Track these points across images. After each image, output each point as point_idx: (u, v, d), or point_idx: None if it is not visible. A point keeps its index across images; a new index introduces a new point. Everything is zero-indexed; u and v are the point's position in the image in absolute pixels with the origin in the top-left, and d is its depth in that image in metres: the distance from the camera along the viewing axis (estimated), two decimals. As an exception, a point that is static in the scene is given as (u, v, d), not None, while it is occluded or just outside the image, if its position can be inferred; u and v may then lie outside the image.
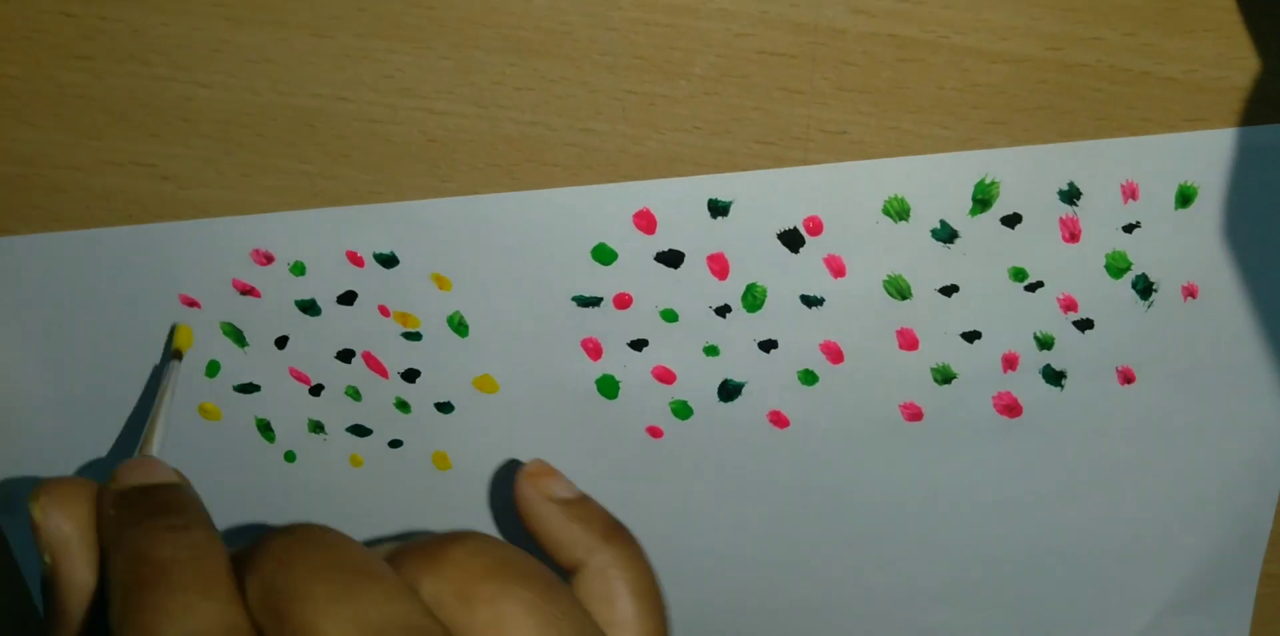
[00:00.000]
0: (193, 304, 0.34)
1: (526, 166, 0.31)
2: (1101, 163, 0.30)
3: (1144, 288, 0.32)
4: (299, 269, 0.33)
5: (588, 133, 0.30)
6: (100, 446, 0.37)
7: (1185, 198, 0.30)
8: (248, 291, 0.33)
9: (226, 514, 0.38)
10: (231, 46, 0.29)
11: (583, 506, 0.31)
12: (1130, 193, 0.30)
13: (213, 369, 0.35)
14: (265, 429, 0.36)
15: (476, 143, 0.30)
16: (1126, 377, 0.33)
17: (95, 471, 0.37)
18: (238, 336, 0.34)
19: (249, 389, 0.35)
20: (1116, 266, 0.31)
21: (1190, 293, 0.32)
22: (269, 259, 0.33)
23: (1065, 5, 0.28)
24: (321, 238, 0.32)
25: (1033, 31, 0.28)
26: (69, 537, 0.24)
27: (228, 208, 0.32)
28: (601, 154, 0.30)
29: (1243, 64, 0.28)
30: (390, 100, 0.30)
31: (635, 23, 0.28)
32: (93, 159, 0.32)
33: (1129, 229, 0.31)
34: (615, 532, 0.30)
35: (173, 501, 0.25)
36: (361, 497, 0.37)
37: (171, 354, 0.33)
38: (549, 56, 0.29)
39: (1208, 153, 0.29)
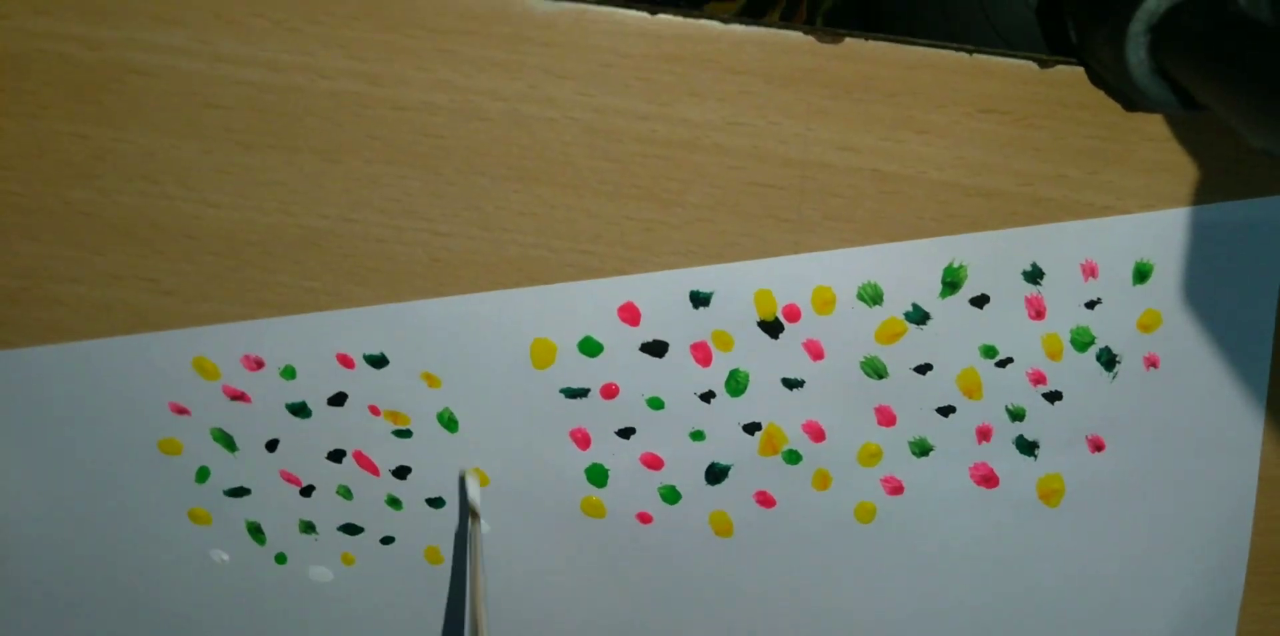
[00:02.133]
0: (183, 411, 0.37)
1: (528, 286, 0.35)
2: (1061, 244, 0.34)
3: (1108, 360, 0.36)
4: (289, 373, 0.36)
5: (587, 255, 0.34)
6: (93, 556, 0.40)
7: (1142, 274, 0.35)
8: (238, 397, 0.37)
9: (218, 619, 0.41)
10: (241, 168, 0.33)
11: None
12: (1090, 271, 0.35)
13: (202, 475, 0.38)
14: (256, 531, 0.39)
15: (479, 263, 0.34)
16: (1096, 445, 0.38)
17: (87, 574, 0.41)
18: (228, 442, 0.38)
19: (239, 493, 0.39)
20: (1081, 341, 0.36)
21: (1152, 363, 0.37)
22: (259, 364, 0.36)
23: (1034, 145, 0.33)
24: (312, 341, 0.36)
25: (1005, 168, 0.33)
26: None
27: (230, 321, 0.36)
28: (600, 274, 0.35)
29: (1198, 198, 0.34)
30: (397, 221, 0.34)
31: (635, 155, 0.33)
32: (96, 273, 0.35)
33: (1090, 305, 0.35)
34: None
35: None
36: (355, 596, 0.40)
37: (469, 514, 0.37)
38: (552, 184, 0.33)
39: (1160, 231, 0.34)
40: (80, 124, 0.33)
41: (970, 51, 0.31)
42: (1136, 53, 0.27)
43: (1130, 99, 0.30)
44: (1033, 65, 0.31)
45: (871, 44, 0.31)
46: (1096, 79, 0.31)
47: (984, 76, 0.32)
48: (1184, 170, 0.34)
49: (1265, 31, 0.24)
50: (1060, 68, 0.31)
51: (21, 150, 0.33)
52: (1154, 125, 0.33)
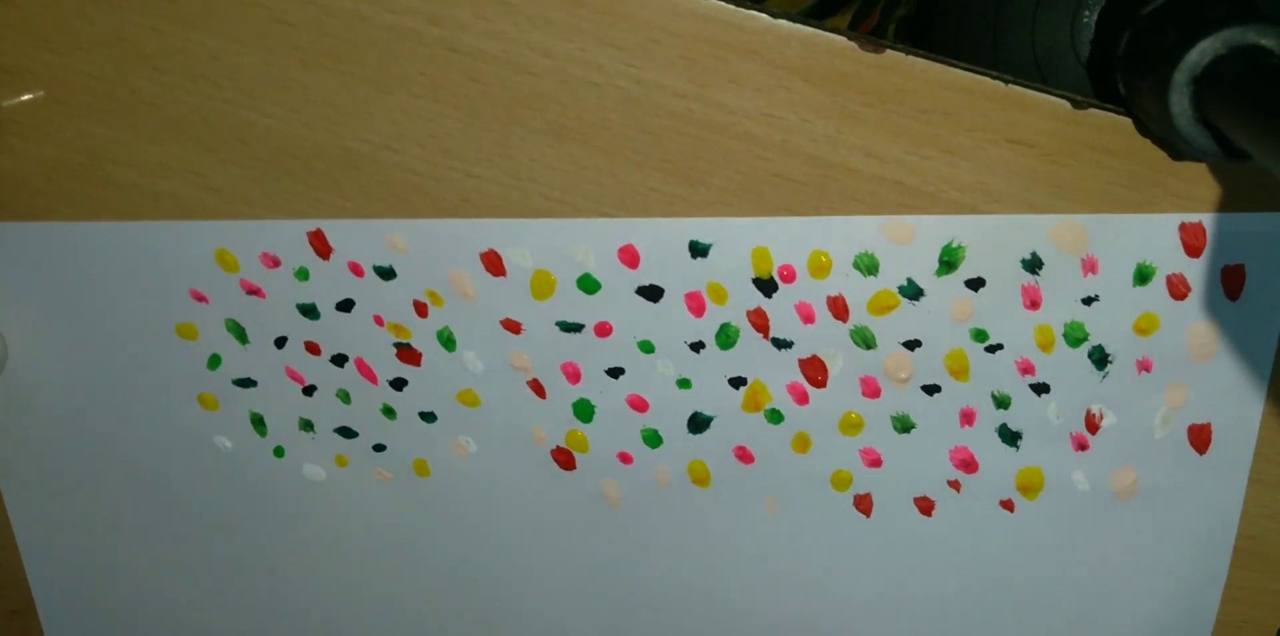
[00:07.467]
0: (202, 299, 0.41)
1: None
2: (1063, 236, 0.36)
3: (1099, 358, 0.39)
4: (303, 274, 0.41)
5: (609, 218, 0.38)
6: (105, 429, 0.45)
7: (1143, 276, 0.37)
8: (253, 291, 0.41)
9: (214, 503, 0.46)
10: (299, 85, 0.37)
11: None
12: (1090, 267, 0.37)
13: (214, 362, 0.43)
14: (258, 423, 0.44)
15: (504, 208, 0.38)
16: (1080, 444, 0.40)
17: (97, 446, 0.46)
18: (240, 333, 0.42)
19: (246, 383, 0.43)
20: (1074, 336, 0.38)
21: (1145, 367, 0.39)
22: (276, 262, 0.40)
23: (1056, 182, 0.35)
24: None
25: (1022, 200, 0.36)
26: None
27: (258, 223, 0.39)
28: (618, 236, 0.38)
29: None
30: (433, 157, 0.37)
31: (669, 130, 0.36)
32: (149, 162, 0.39)
33: (1087, 301, 0.38)
34: None
35: None
36: (343, 497, 0.46)
37: None
38: (585, 145, 0.37)
39: (1167, 235, 0.36)
40: (158, 19, 0.36)
41: (1006, 81, 0.34)
42: (1180, 102, 0.30)
43: (1175, 148, 0.32)
44: (1065, 104, 0.34)
45: (911, 59, 0.34)
46: (1144, 129, 0.33)
47: (1016, 108, 0.34)
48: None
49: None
50: (1093, 111, 0.34)
51: (101, 36, 0.37)
52: (1179, 182, 0.35)
